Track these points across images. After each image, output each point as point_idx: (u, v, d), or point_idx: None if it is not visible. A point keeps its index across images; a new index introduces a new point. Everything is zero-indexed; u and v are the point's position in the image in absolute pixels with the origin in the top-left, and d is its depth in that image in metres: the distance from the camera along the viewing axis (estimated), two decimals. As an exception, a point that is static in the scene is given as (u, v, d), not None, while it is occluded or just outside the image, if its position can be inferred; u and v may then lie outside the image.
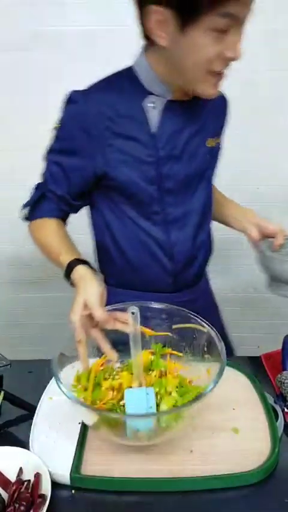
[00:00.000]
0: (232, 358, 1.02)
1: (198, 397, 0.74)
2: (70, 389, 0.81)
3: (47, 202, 1.04)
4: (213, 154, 1.06)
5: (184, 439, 0.82)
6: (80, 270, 0.92)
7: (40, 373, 1.03)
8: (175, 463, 0.79)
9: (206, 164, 1.03)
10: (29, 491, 0.71)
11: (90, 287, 0.87)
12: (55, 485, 0.73)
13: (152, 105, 0.93)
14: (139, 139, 0.94)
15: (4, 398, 0.93)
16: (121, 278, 1.10)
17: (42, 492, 0.71)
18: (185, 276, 1.10)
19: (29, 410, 0.92)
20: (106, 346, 0.85)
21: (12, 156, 1.95)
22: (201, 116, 0.99)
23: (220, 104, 1.07)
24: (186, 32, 0.79)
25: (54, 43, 1.74)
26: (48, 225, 1.04)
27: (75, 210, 1.07)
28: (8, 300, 2.28)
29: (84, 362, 0.86)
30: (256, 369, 1.04)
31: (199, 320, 0.89)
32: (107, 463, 0.79)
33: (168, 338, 0.94)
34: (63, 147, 0.98)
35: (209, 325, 0.88)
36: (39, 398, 0.93)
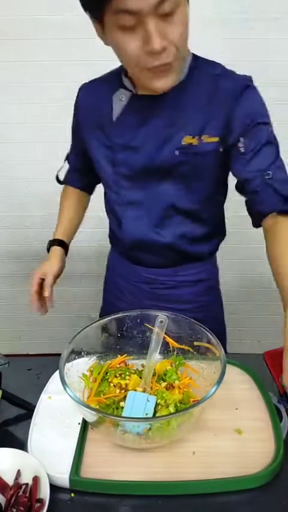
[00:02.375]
0: (234, 356, 1.00)
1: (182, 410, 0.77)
2: (80, 378, 0.88)
3: (72, 174, 1.26)
4: (193, 153, 0.96)
5: (186, 441, 0.81)
6: (52, 250, 1.23)
7: (39, 370, 1.02)
8: (177, 465, 0.77)
9: (174, 161, 0.97)
10: (27, 495, 0.69)
11: (50, 265, 1.20)
12: (54, 488, 0.72)
13: (119, 97, 1.00)
14: (103, 127, 1.04)
15: (2, 397, 0.91)
16: (114, 245, 1.26)
17: (41, 496, 0.69)
18: (146, 256, 1.13)
19: (27, 410, 0.91)
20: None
21: (7, 149, 1.92)
22: (174, 111, 0.95)
23: (220, 100, 0.93)
24: (106, 34, 0.84)
25: (54, 32, 1.71)
26: (69, 195, 1.29)
27: (95, 182, 1.25)
28: (7, 294, 2.26)
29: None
30: (259, 367, 1.01)
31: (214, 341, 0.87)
32: (107, 466, 0.77)
33: (190, 353, 0.94)
34: (71, 129, 1.19)
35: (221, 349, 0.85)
36: (39, 397, 0.91)
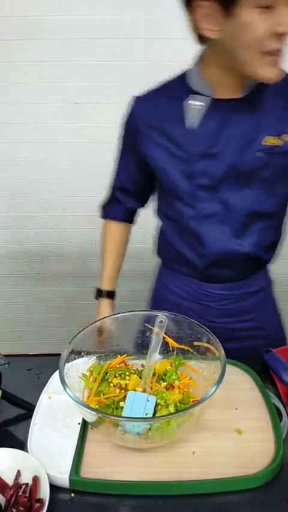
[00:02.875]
0: (234, 356, 1.00)
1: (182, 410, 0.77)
2: (79, 378, 0.88)
3: (114, 204, 1.22)
4: (277, 153, 0.96)
5: (186, 441, 0.81)
6: (103, 303, 1.26)
7: (39, 370, 1.02)
8: (177, 465, 0.77)
9: (257, 164, 0.96)
10: (27, 495, 0.69)
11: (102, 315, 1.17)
12: (54, 488, 0.72)
13: (194, 103, 0.96)
14: (172, 137, 0.99)
15: (2, 397, 0.91)
16: (176, 266, 1.18)
17: (41, 496, 0.69)
18: (222, 271, 1.10)
19: (27, 410, 0.91)
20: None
21: (7, 150, 1.92)
22: (256, 113, 0.94)
23: None
24: (232, 15, 0.80)
25: (54, 32, 1.71)
26: (112, 234, 1.25)
27: (142, 202, 1.21)
28: (7, 294, 2.26)
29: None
30: (259, 367, 1.01)
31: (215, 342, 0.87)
32: (107, 466, 0.77)
33: (189, 353, 0.94)
34: (121, 144, 1.13)
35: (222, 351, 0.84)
36: (39, 397, 0.91)
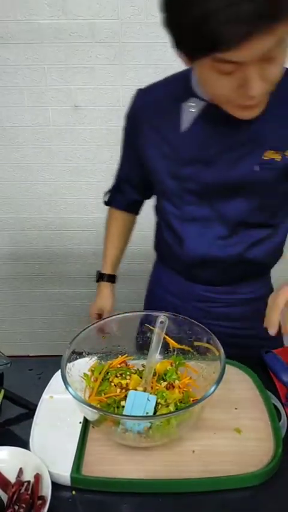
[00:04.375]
0: (233, 356, 1.01)
1: (182, 409, 0.78)
2: (81, 377, 0.89)
3: (120, 193, 1.22)
4: (276, 168, 0.90)
5: (186, 439, 0.82)
6: (104, 285, 1.31)
7: (40, 370, 1.03)
8: (177, 464, 0.78)
9: (251, 177, 0.91)
10: (29, 492, 0.70)
11: (105, 302, 1.31)
12: (55, 486, 0.72)
13: (191, 105, 0.92)
14: (167, 138, 0.97)
15: (4, 396, 0.92)
16: (167, 261, 1.19)
17: (42, 494, 0.70)
18: (205, 273, 1.08)
19: (29, 409, 0.92)
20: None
21: (7, 152, 1.94)
22: (253, 125, 0.86)
23: None
24: (196, 68, 0.77)
25: (54, 36, 1.72)
26: (114, 222, 1.28)
27: (146, 195, 1.21)
28: (7, 295, 2.27)
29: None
30: (258, 367, 1.02)
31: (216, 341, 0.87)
32: (108, 464, 0.78)
33: (190, 353, 0.95)
34: (123, 137, 1.12)
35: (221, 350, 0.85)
36: (40, 396, 0.92)
